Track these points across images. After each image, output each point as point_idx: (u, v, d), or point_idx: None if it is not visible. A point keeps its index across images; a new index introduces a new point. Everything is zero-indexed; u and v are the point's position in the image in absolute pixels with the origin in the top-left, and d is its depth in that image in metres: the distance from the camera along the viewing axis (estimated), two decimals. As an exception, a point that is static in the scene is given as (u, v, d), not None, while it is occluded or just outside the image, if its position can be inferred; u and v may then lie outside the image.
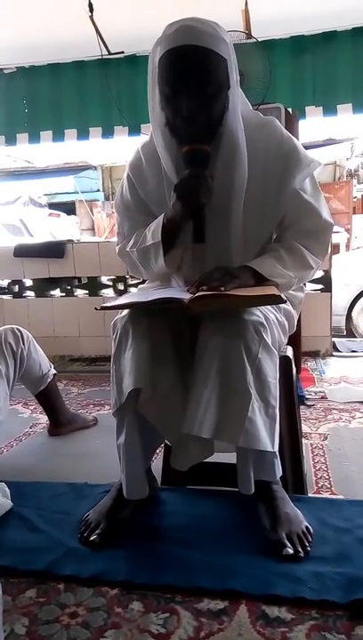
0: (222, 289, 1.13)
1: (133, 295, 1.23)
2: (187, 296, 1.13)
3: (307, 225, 1.32)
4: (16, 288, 3.61)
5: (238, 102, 1.24)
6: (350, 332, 4.37)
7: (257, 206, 1.28)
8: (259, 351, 1.17)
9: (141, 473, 1.29)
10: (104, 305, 1.24)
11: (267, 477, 1.26)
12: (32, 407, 2.41)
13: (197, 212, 1.21)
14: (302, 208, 1.31)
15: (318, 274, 3.22)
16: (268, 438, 1.17)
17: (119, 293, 3.42)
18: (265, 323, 1.20)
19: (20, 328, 1.89)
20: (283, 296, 1.12)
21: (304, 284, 1.49)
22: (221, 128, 1.22)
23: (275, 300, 1.14)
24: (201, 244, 1.26)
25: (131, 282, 3.39)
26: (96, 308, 1.22)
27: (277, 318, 1.29)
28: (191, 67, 1.14)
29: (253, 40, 2.67)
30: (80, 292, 3.55)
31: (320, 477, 1.61)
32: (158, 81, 1.19)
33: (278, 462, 1.25)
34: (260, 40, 2.72)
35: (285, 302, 1.19)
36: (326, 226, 1.34)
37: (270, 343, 1.20)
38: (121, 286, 3.46)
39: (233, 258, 1.29)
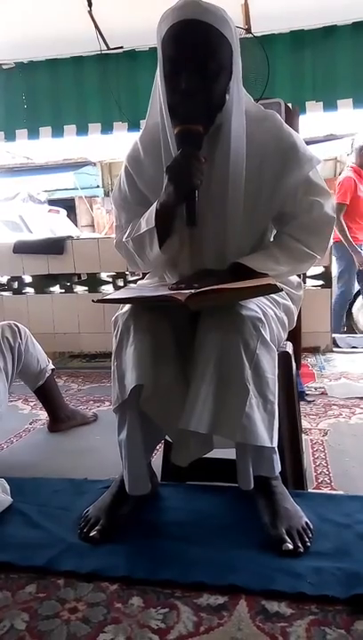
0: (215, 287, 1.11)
1: (131, 290, 1.23)
2: (183, 294, 1.12)
3: (305, 220, 1.29)
4: (15, 284, 3.61)
5: (239, 90, 1.22)
6: (351, 328, 4.37)
7: (252, 201, 1.26)
8: (257, 347, 1.16)
9: (143, 469, 1.29)
10: (103, 298, 1.23)
11: (266, 473, 1.26)
12: (32, 403, 2.41)
13: (189, 193, 1.18)
14: (301, 203, 1.29)
15: (319, 270, 3.22)
16: (266, 434, 1.16)
17: (119, 290, 3.42)
18: (263, 318, 1.19)
19: (18, 323, 1.89)
20: (279, 285, 1.10)
21: (303, 284, 1.48)
22: (220, 115, 1.20)
23: (271, 290, 1.13)
24: (198, 241, 1.25)
25: (131, 278, 3.39)
26: (94, 301, 1.21)
27: (275, 314, 1.29)
28: (193, 40, 1.13)
29: (252, 35, 2.66)
30: (80, 289, 3.54)
31: (320, 473, 1.61)
32: (161, 57, 1.17)
33: (277, 458, 1.25)
34: (259, 35, 2.72)
35: (281, 291, 1.19)
36: (325, 219, 1.31)
37: (268, 339, 1.19)
38: (121, 282, 3.46)
39: (227, 252, 1.27)
